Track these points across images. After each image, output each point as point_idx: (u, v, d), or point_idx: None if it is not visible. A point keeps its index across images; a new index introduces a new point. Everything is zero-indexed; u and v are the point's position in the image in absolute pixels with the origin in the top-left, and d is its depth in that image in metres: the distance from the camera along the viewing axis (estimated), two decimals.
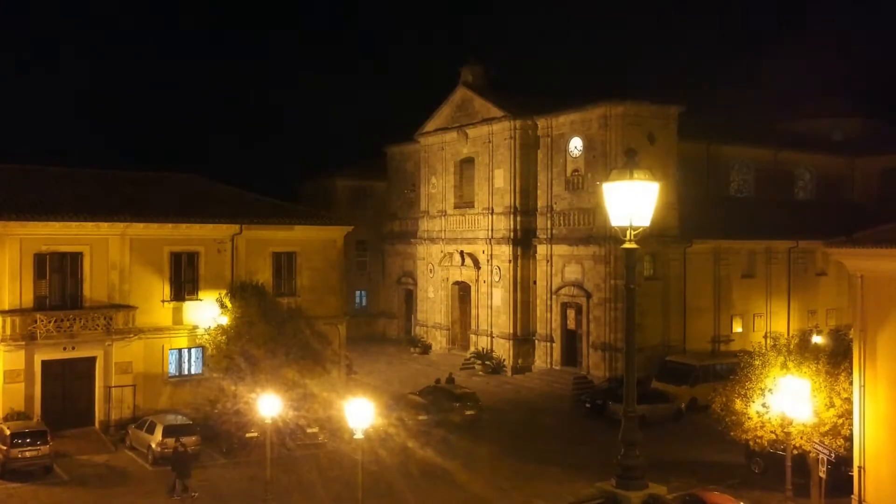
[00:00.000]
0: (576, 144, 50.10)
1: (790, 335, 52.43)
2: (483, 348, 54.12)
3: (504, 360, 52.76)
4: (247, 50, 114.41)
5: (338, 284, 42.26)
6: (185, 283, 37.49)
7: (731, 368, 46.20)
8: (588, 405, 43.33)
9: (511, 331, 52.78)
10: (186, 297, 37.45)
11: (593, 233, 48.29)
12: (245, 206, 41.03)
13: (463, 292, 58.11)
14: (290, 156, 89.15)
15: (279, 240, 40.06)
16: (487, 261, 54.92)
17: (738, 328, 52.12)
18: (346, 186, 68.71)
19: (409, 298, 65.64)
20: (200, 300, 37.58)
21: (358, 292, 69.27)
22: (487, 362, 52.71)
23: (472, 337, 56.00)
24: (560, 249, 50.64)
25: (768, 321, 53.25)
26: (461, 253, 57.25)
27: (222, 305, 36.80)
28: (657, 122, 48.43)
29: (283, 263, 40.40)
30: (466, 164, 58.11)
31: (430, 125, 60.78)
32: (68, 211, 34.44)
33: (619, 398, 41.09)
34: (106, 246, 35.29)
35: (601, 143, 48.07)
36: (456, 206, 58.69)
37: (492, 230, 54.66)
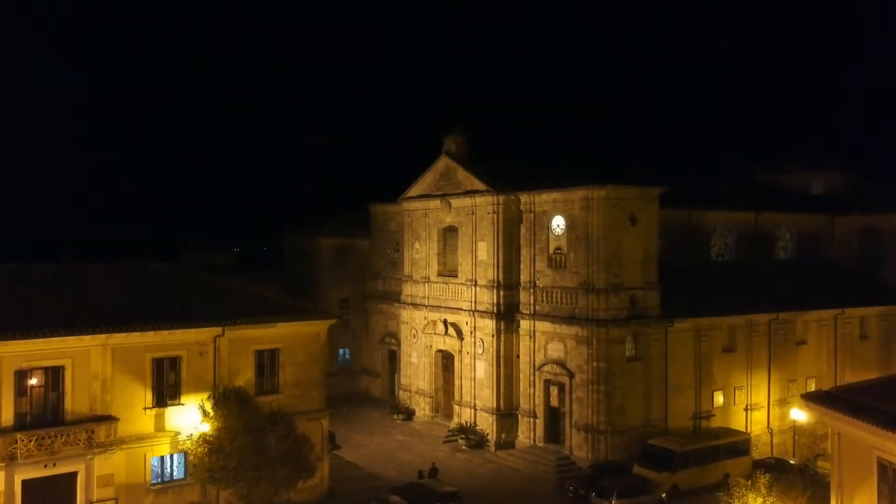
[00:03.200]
0: (558, 223, 50.32)
1: (770, 406, 53.24)
2: (466, 422, 54.22)
3: (487, 434, 52.88)
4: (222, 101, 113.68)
5: (320, 378, 42.24)
6: (166, 387, 37.34)
7: (713, 451, 47.05)
8: (571, 494, 43.63)
9: (494, 405, 52.90)
10: (169, 402, 37.32)
11: (576, 314, 48.51)
12: (227, 301, 40.93)
13: (446, 360, 58.19)
14: (272, 207, 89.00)
15: (261, 337, 39.98)
16: (471, 332, 55.04)
17: (718, 402, 52.41)
18: (330, 244, 68.70)
19: (393, 358, 65.67)
20: (183, 405, 37.47)
21: (341, 350, 69.20)
22: (471, 436, 52.83)
23: (456, 408, 56.06)
24: (543, 326, 50.83)
25: (749, 393, 53.74)
26: (445, 322, 57.34)
27: (204, 413, 36.75)
28: (639, 203, 48.72)
29: (266, 361, 40.34)
30: (450, 232, 58.23)
31: (413, 190, 60.86)
32: (51, 325, 34.25)
33: (603, 490, 41.71)
34: (88, 357, 35.14)
35: (583, 224, 48.31)
36: (440, 274, 58.77)
37: (475, 302, 54.79)
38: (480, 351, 54.24)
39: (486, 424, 53.18)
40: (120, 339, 35.69)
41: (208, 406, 36.96)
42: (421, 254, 60.31)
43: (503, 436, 52.63)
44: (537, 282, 51.54)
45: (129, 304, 37.97)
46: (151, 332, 36.44)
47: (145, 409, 36.72)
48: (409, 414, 59.84)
